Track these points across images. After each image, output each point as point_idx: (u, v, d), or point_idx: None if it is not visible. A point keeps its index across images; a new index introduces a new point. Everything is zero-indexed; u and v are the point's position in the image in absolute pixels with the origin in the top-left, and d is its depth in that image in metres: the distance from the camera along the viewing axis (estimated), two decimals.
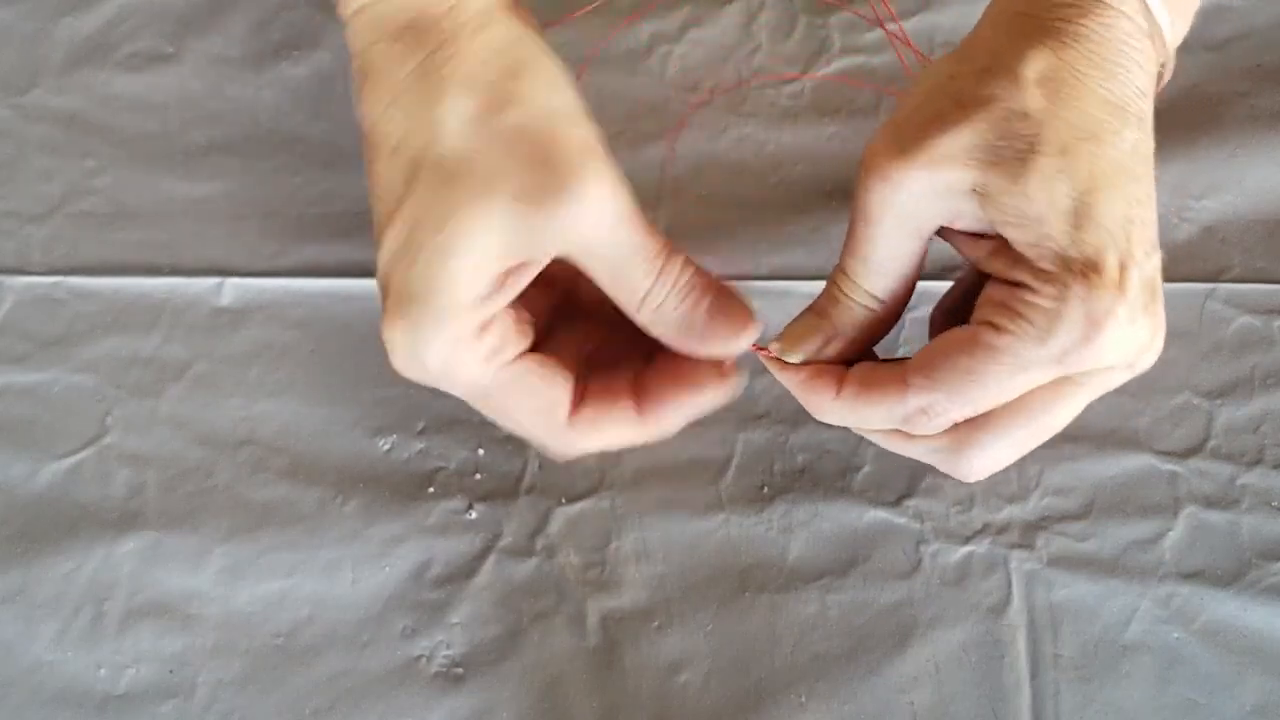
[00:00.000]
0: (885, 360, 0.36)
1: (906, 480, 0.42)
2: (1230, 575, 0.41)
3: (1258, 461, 0.42)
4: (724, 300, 0.34)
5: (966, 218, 0.32)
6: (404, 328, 0.31)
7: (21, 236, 0.45)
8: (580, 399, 0.34)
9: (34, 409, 0.43)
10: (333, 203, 0.45)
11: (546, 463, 0.43)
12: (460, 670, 0.40)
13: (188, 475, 0.42)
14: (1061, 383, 0.32)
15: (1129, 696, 0.40)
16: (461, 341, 0.31)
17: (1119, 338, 0.30)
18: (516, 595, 0.41)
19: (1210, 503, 0.42)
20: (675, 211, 0.45)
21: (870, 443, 0.42)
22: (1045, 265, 0.30)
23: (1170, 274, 0.44)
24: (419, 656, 0.41)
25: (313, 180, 0.46)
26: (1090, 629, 0.40)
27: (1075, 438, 0.42)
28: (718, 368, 0.34)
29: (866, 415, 0.34)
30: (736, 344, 0.34)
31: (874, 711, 0.40)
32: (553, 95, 0.32)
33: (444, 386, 0.33)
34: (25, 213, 0.45)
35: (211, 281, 0.44)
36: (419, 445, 0.43)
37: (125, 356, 0.44)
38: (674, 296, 0.33)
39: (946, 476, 0.42)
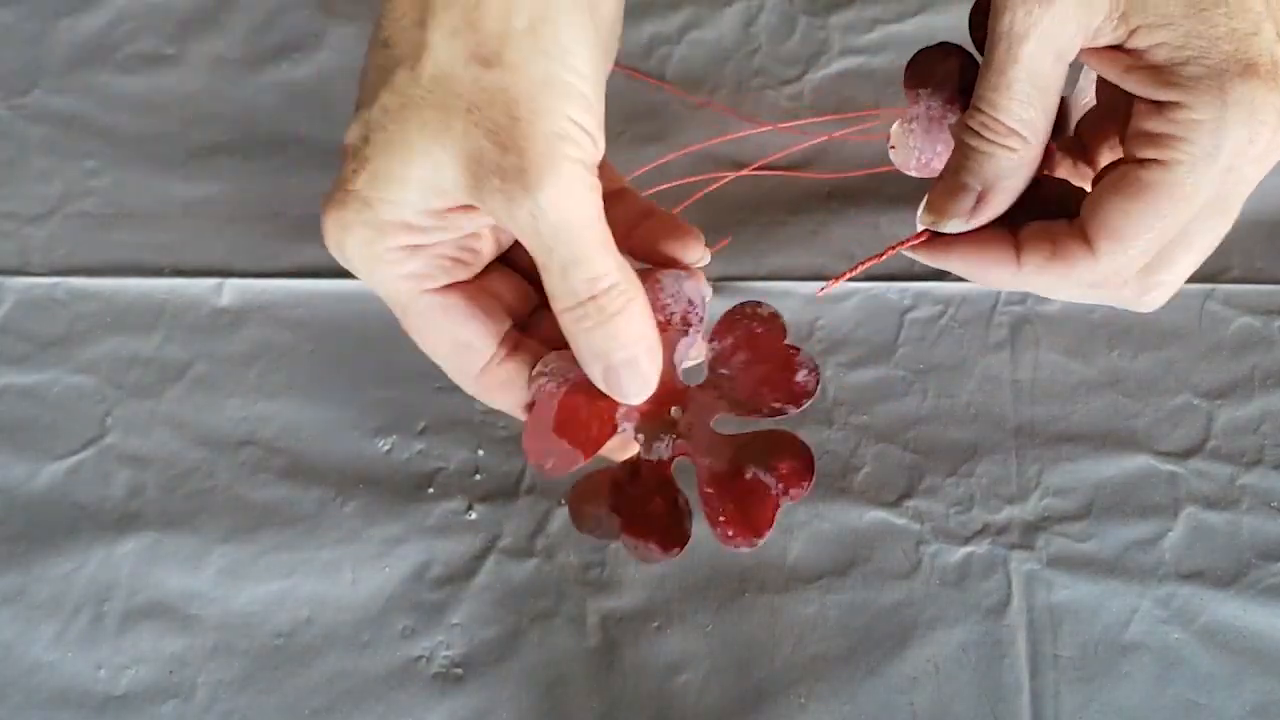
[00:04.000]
0: (1044, 221, 0.33)
1: (906, 480, 0.42)
2: (1230, 575, 0.41)
3: (1257, 462, 0.42)
4: (627, 368, 0.31)
5: (1106, 34, 0.30)
6: (335, 213, 0.29)
7: (21, 237, 0.45)
8: (509, 356, 0.32)
9: (34, 409, 0.43)
10: None
11: None
12: (460, 670, 0.40)
13: (188, 475, 0.42)
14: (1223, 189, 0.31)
15: (1129, 697, 0.40)
16: (385, 253, 0.30)
17: (1276, 128, 0.29)
18: (516, 595, 0.41)
19: (1210, 503, 0.42)
20: (675, 212, 0.45)
21: (870, 443, 0.42)
22: (1193, 72, 0.29)
23: None
24: (419, 657, 0.41)
25: (313, 180, 0.46)
26: (1090, 629, 0.40)
27: (1075, 438, 0.42)
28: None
29: (1054, 287, 0.32)
30: (627, 399, 0.32)
31: (874, 711, 0.40)
32: (554, 63, 0.29)
33: (365, 283, 0.31)
34: (25, 213, 0.45)
35: (211, 282, 0.44)
36: (419, 445, 0.43)
37: (125, 357, 0.44)
38: (587, 332, 0.30)
39: (946, 476, 0.42)
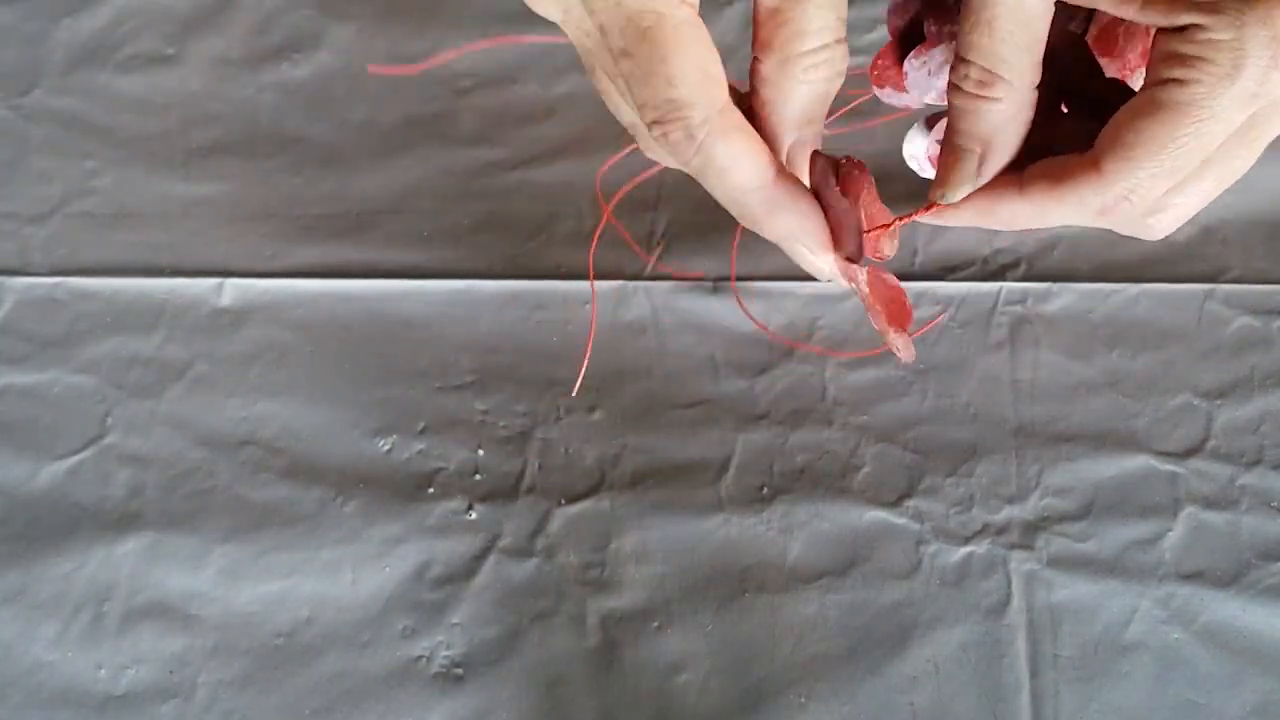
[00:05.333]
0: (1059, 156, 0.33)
1: (906, 480, 0.42)
2: (1230, 576, 0.41)
3: (1257, 462, 0.42)
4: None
5: None
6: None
7: (22, 237, 0.45)
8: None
9: (34, 409, 0.43)
10: (333, 203, 0.45)
11: (546, 463, 0.43)
12: (460, 670, 0.40)
13: (188, 475, 0.42)
14: (1250, 119, 0.30)
15: (1129, 697, 0.40)
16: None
17: None
18: (516, 595, 0.41)
19: (1210, 503, 0.42)
20: (675, 212, 0.45)
21: (870, 443, 0.42)
22: None
23: (1169, 275, 0.44)
24: (419, 657, 0.41)
25: (313, 180, 0.46)
26: (1090, 629, 0.40)
27: (1074, 438, 0.42)
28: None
29: (1062, 213, 0.32)
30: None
31: (874, 711, 0.40)
32: None
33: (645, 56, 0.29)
34: (25, 213, 0.45)
35: (211, 282, 0.44)
36: (419, 445, 0.43)
37: (125, 357, 0.44)
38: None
39: (946, 476, 0.42)
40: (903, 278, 0.44)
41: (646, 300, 0.44)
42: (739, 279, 0.44)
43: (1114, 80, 0.34)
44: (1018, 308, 0.44)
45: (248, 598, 0.41)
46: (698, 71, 0.29)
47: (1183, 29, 0.28)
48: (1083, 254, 0.44)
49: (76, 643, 0.41)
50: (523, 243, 0.45)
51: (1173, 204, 0.31)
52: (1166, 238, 0.45)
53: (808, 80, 0.32)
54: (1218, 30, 0.28)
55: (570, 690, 0.40)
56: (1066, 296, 0.44)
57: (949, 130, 0.32)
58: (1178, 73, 0.29)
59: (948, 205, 0.33)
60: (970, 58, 0.30)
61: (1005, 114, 0.31)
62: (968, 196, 0.32)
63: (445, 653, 0.41)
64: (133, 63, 0.47)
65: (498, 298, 0.44)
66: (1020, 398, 0.43)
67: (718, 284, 0.44)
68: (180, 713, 0.40)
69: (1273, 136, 0.30)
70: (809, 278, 0.44)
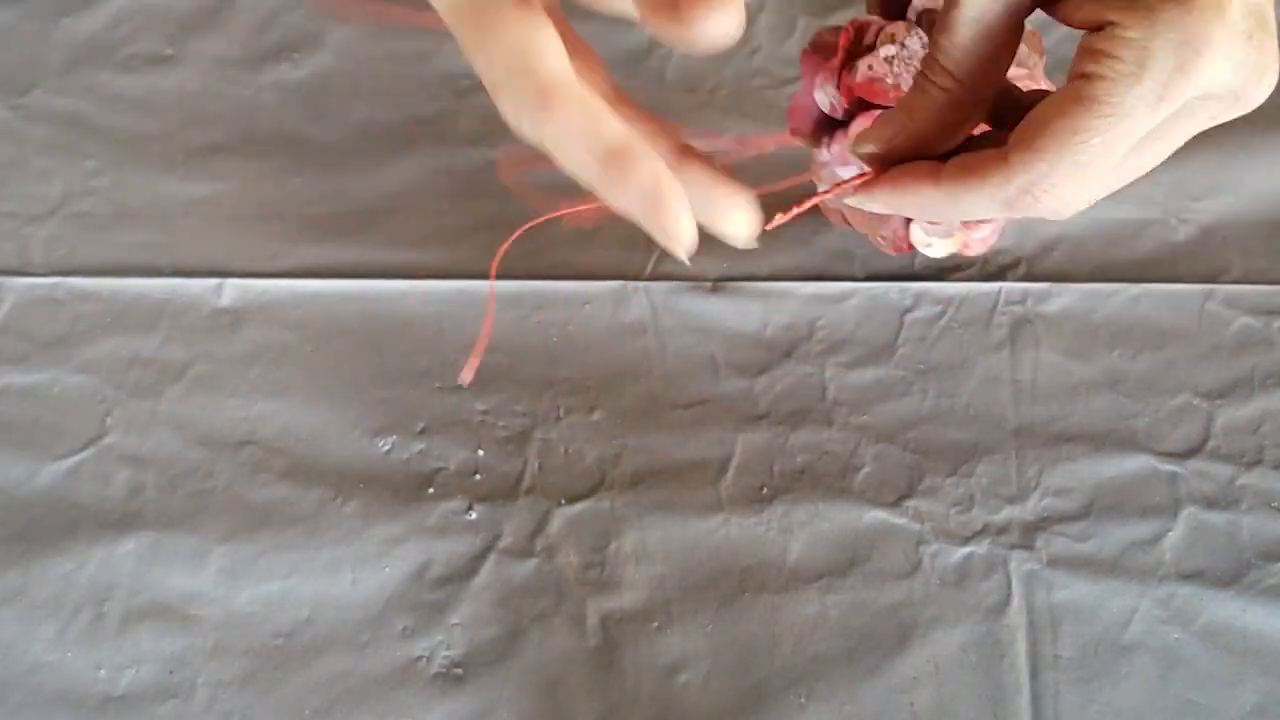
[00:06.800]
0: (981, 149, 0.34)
1: (906, 480, 0.42)
2: (1230, 576, 0.41)
3: (1257, 462, 0.42)
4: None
5: None
6: None
7: (21, 237, 0.45)
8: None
9: (34, 409, 0.43)
10: (332, 203, 0.45)
11: (546, 463, 0.43)
12: (460, 670, 0.40)
13: (188, 475, 0.42)
14: (1161, 123, 0.30)
15: (1129, 697, 0.40)
16: None
17: (1217, 65, 0.28)
18: (516, 595, 0.41)
19: (1210, 503, 0.42)
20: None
21: (870, 443, 0.42)
22: None
23: (1169, 275, 0.44)
24: (419, 657, 0.41)
25: (313, 180, 0.46)
26: (1090, 629, 0.40)
27: (1074, 438, 0.42)
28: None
29: (970, 203, 0.32)
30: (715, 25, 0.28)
31: (874, 712, 0.40)
32: None
33: None
34: (25, 213, 0.45)
35: (211, 282, 0.44)
36: (419, 445, 0.43)
37: (125, 357, 0.44)
38: None
39: (946, 477, 0.42)
40: (903, 278, 0.44)
41: (646, 300, 0.44)
42: (739, 279, 0.44)
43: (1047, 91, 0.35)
44: (1018, 308, 0.44)
45: (248, 598, 0.41)
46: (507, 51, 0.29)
47: (1101, 27, 0.29)
48: (1083, 254, 0.44)
49: (76, 643, 0.41)
50: (523, 243, 0.45)
51: (1070, 193, 0.32)
52: (1167, 238, 0.45)
53: None
54: (1129, 29, 0.28)
55: (570, 690, 0.40)
56: (1066, 296, 0.44)
57: (900, 100, 0.33)
58: (1089, 67, 0.29)
59: (862, 182, 0.33)
60: (931, 50, 0.31)
61: (940, 101, 0.32)
62: (882, 179, 0.33)
63: (445, 653, 0.41)
64: (132, 63, 0.47)
65: (498, 298, 0.44)
66: (1020, 398, 0.43)
67: (718, 284, 0.44)
68: (180, 713, 0.40)
69: (1181, 142, 0.31)
70: (809, 278, 0.44)
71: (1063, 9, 0.31)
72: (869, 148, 0.33)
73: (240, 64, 0.47)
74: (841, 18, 0.47)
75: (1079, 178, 0.31)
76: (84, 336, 0.44)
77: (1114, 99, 0.29)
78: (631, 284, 0.44)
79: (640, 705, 0.40)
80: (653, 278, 0.45)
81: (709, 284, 0.44)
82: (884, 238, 0.40)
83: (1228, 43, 0.28)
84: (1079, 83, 0.30)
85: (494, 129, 0.46)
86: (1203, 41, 0.28)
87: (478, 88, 0.47)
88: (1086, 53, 0.30)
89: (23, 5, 0.48)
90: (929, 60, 0.32)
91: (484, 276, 0.44)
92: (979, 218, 0.33)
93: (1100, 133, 0.30)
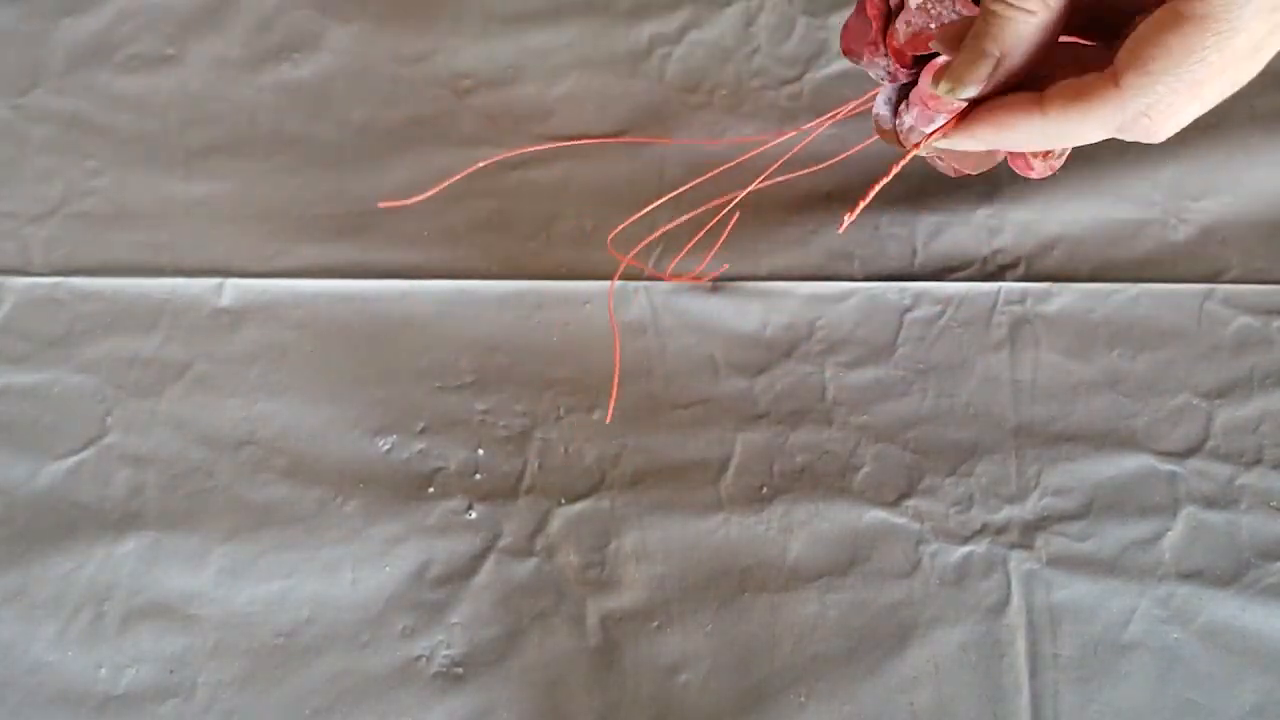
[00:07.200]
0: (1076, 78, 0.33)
1: (906, 480, 0.42)
2: (1229, 575, 0.41)
3: (1257, 461, 0.42)
4: None
5: None
6: None
7: (22, 237, 0.45)
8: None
9: (34, 409, 0.43)
10: (332, 203, 0.45)
11: (546, 463, 0.43)
12: (460, 670, 0.40)
13: (188, 475, 0.42)
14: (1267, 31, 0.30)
15: (1128, 696, 0.40)
16: None
17: None
18: (516, 595, 0.41)
19: (1209, 503, 0.42)
20: (675, 212, 0.45)
21: (870, 443, 0.42)
22: None
23: (1169, 275, 0.44)
24: (419, 656, 0.41)
25: (313, 180, 0.46)
26: (1090, 629, 0.40)
27: (1074, 438, 0.42)
28: None
29: (1081, 130, 0.32)
30: None
31: (874, 711, 0.40)
32: None
33: None
34: (25, 213, 0.45)
35: (211, 282, 0.44)
36: (419, 445, 0.43)
37: (125, 357, 0.44)
38: None
39: (946, 476, 0.42)
40: (903, 277, 0.44)
41: (646, 300, 0.44)
42: (739, 279, 0.44)
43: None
44: (1017, 308, 0.44)
45: (248, 598, 0.41)
46: None
47: None
48: (1082, 254, 0.44)
49: (76, 643, 0.41)
50: (523, 243, 0.45)
51: (1185, 113, 0.31)
52: (1166, 238, 0.45)
53: None
54: None
55: (570, 690, 0.40)
56: (1066, 296, 0.44)
57: (974, 32, 0.32)
58: None
59: (961, 121, 0.33)
60: None
61: (1032, 26, 0.31)
62: (980, 116, 0.33)
63: (445, 652, 0.41)
64: (133, 63, 0.47)
65: (498, 298, 0.44)
66: (1020, 398, 0.43)
67: (717, 284, 0.44)
68: (180, 712, 0.40)
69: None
70: (809, 277, 0.44)
71: None
72: (969, 90, 0.32)
73: (241, 64, 0.47)
74: (841, 18, 0.47)
75: (1195, 96, 0.30)
76: (84, 336, 0.44)
77: (1230, 14, 0.28)
78: (631, 284, 0.44)
79: (640, 705, 0.40)
80: (653, 278, 0.45)
81: (709, 284, 0.44)
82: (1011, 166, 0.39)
83: None
84: (1186, 2, 0.28)
85: (494, 129, 0.46)
86: None
87: (478, 88, 0.47)
88: None
89: (23, 5, 0.48)
90: None
91: (484, 276, 0.44)
92: (1088, 142, 0.32)
93: (1218, 49, 0.29)
